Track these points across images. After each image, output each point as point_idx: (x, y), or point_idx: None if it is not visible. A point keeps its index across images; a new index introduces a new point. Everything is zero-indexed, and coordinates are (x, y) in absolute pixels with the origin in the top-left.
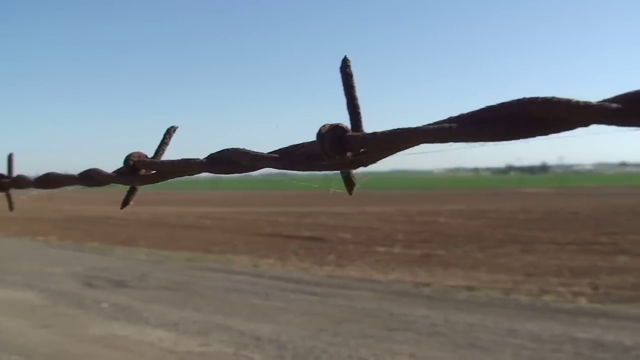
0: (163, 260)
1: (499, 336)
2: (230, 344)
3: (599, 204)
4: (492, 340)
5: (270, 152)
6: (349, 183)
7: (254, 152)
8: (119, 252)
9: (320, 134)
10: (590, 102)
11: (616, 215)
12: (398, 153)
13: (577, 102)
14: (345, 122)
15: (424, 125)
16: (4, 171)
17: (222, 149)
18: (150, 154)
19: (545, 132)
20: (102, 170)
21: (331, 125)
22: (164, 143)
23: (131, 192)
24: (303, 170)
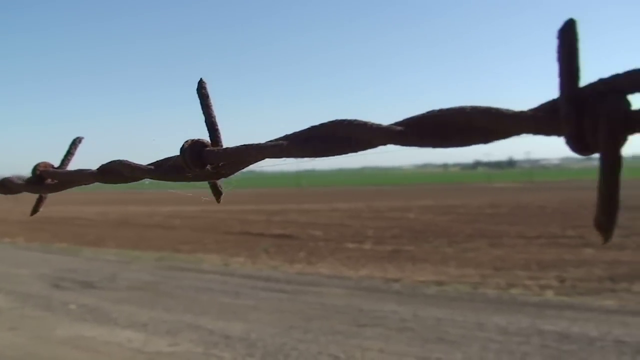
0: (132, 260)
1: (467, 330)
2: (200, 343)
3: (566, 197)
4: (460, 334)
5: (147, 164)
6: (216, 191)
7: (134, 164)
8: (87, 252)
9: (182, 149)
10: (381, 125)
11: (582, 208)
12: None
13: (372, 125)
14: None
15: (263, 143)
16: None
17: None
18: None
19: (352, 150)
20: (13, 179)
21: (192, 140)
22: (69, 153)
23: (40, 200)
24: (174, 181)
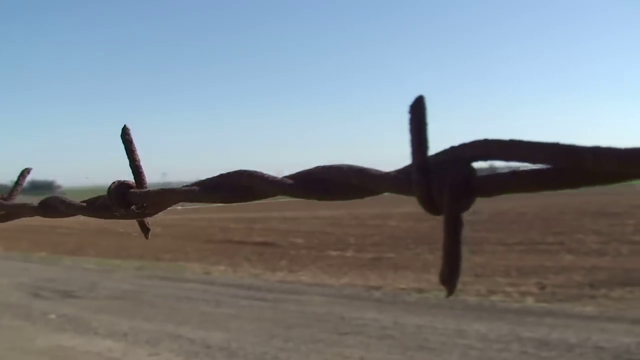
0: (112, 269)
1: (448, 337)
2: (180, 352)
3: (546, 204)
4: (440, 342)
5: (81, 201)
6: (144, 228)
7: (68, 201)
8: (67, 261)
9: (109, 190)
10: (276, 178)
11: (563, 214)
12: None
13: (268, 177)
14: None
15: (179, 188)
16: None
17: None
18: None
19: (253, 198)
20: None
21: (118, 182)
22: (17, 184)
23: None
24: (104, 218)
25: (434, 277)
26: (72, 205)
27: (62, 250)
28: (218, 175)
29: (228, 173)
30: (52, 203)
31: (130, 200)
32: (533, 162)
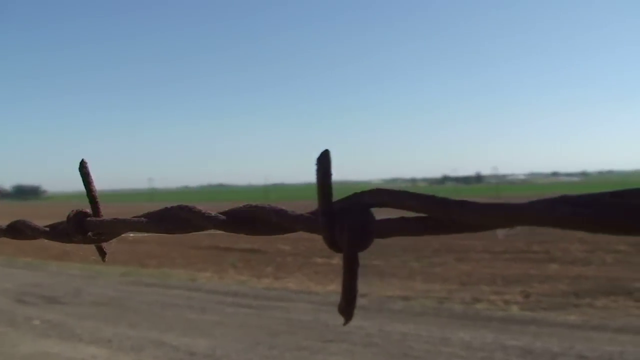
0: (97, 275)
1: (432, 345)
2: (164, 359)
3: None
4: (425, 350)
5: (44, 226)
6: (101, 252)
7: (33, 225)
8: (52, 267)
9: (67, 218)
10: (211, 214)
11: None
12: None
13: (203, 213)
14: None
15: (129, 218)
16: None
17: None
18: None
19: (192, 230)
20: None
21: (76, 211)
22: None
23: None
24: (65, 242)
25: (420, 285)
26: (36, 229)
27: (48, 256)
28: (163, 209)
29: (172, 207)
30: (20, 227)
31: (87, 228)
32: (414, 210)
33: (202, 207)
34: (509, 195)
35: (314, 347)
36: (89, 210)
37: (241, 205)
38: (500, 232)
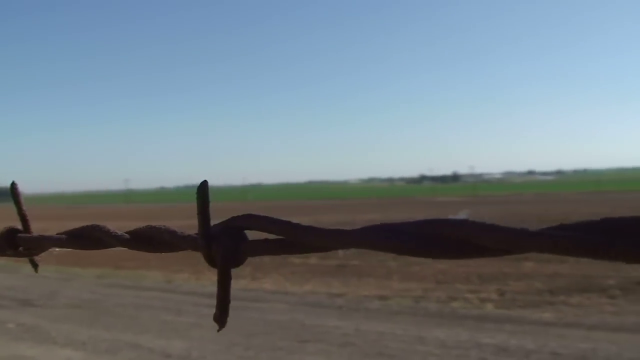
0: (72, 277)
1: (408, 344)
2: None
3: (507, 211)
4: (400, 348)
5: None
6: (34, 264)
7: None
8: (26, 269)
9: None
10: (117, 233)
11: (523, 222)
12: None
13: (110, 232)
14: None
15: (53, 235)
16: None
17: None
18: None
19: (103, 247)
20: None
21: (7, 228)
22: None
23: None
24: (3, 256)
25: (396, 284)
26: None
27: (22, 258)
28: (80, 227)
29: (87, 226)
30: None
31: (18, 243)
32: (273, 233)
33: (111, 226)
34: (486, 194)
35: (290, 347)
36: (19, 227)
37: (144, 226)
38: (341, 250)
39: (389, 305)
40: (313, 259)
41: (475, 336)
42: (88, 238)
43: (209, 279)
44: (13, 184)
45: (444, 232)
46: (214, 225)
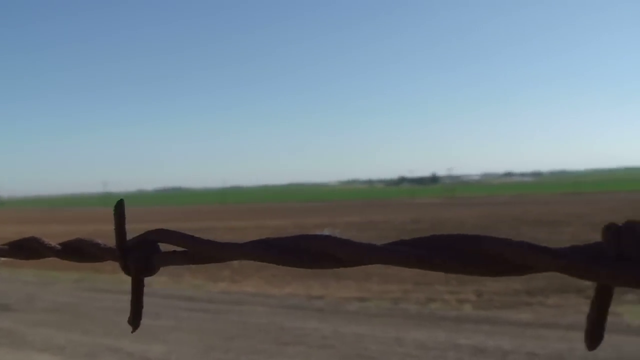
0: (51, 281)
1: (387, 345)
2: None
3: (485, 212)
4: (379, 350)
5: None
6: None
7: None
8: (3, 273)
9: None
10: (51, 244)
11: (501, 223)
12: None
13: (45, 244)
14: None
15: None
16: None
17: None
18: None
19: (38, 257)
20: None
21: None
22: None
23: None
24: None
25: (375, 287)
26: None
27: None
28: (21, 239)
29: (25, 238)
30: None
31: None
32: (181, 247)
33: (46, 239)
34: (464, 196)
35: (269, 350)
36: None
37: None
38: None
39: (368, 307)
40: None
41: (453, 337)
42: (27, 249)
43: (188, 283)
44: None
45: (310, 246)
46: (130, 239)
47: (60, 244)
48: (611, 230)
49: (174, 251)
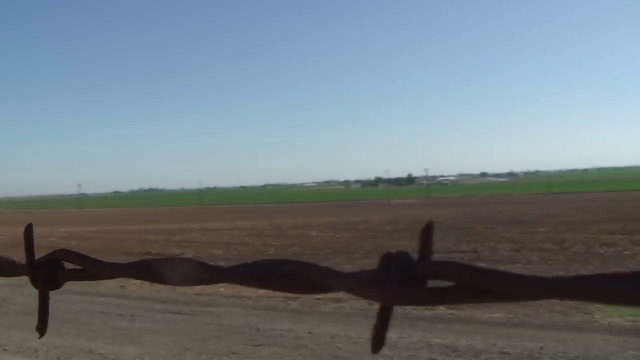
0: (24, 284)
1: (360, 346)
2: None
3: (461, 213)
4: (353, 350)
5: None
6: None
7: None
8: None
9: None
10: (14, 261)
11: (476, 223)
12: None
13: (11, 261)
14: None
15: None
16: None
17: None
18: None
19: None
20: None
21: None
22: None
23: None
24: None
25: None
26: None
27: None
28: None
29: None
30: None
31: None
32: (77, 265)
33: None
34: (440, 197)
35: (244, 351)
36: None
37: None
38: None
39: (342, 308)
40: None
41: (426, 337)
42: None
43: (164, 285)
44: None
45: (161, 269)
46: (39, 257)
47: (29, 263)
48: (383, 258)
49: (77, 269)
